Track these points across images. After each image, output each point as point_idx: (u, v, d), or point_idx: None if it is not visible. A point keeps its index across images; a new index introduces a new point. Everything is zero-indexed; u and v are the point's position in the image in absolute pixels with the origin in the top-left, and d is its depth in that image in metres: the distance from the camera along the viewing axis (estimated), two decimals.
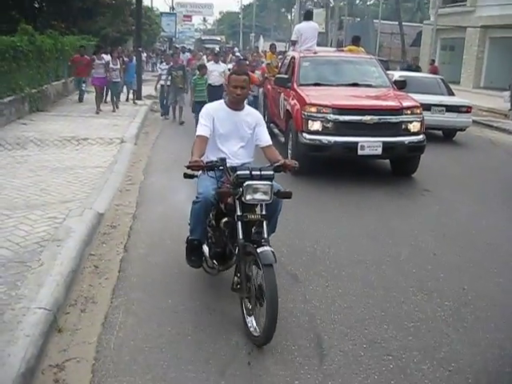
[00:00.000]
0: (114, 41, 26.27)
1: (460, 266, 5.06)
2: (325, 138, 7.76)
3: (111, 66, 15.06)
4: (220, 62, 13.99)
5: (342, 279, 4.65)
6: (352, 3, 52.71)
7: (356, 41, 12.82)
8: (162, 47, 48.65)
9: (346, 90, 8.85)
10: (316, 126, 7.85)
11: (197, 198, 4.01)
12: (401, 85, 9.37)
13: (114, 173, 8.01)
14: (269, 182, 3.64)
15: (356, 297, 4.31)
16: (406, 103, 8.17)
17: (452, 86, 25.37)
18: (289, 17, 69.30)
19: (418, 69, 18.37)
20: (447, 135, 12.81)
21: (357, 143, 7.70)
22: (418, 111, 8.17)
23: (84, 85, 16.22)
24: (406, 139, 7.94)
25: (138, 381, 3.14)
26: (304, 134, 7.90)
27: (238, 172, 3.65)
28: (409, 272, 4.87)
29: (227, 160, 3.96)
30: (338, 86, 9.00)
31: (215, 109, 4.28)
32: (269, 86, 11.74)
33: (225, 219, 3.95)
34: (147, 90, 18.39)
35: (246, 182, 3.57)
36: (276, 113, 10.65)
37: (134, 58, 17.83)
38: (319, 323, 3.86)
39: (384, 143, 7.76)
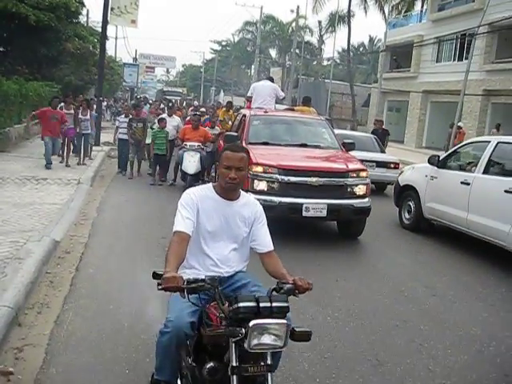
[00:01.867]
0: (77, 89, 27.21)
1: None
2: (270, 198, 7.56)
3: (80, 116, 14.06)
4: (174, 116, 14.15)
5: None
6: (308, 63, 55.31)
7: (306, 101, 13.08)
8: (124, 96, 49.84)
9: (295, 150, 8.83)
10: (262, 185, 7.74)
11: (165, 326, 2.91)
12: (349, 147, 9.30)
13: (70, 209, 8.88)
14: (283, 321, 2.55)
15: None
16: (351, 166, 8.16)
17: (397, 145, 27.32)
18: (249, 73, 71.67)
19: (385, 132, 17.00)
20: (379, 188, 14.06)
21: (302, 204, 7.62)
22: (364, 174, 8.13)
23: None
24: (352, 202, 7.91)
25: (81, 358, 4.04)
26: (249, 194, 7.93)
27: (241, 304, 2.54)
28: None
29: (214, 268, 3.20)
30: (286, 145, 8.99)
31: (201, 196, 3.21)
32: (221, 142, 11.40)
33: (210, 364, 2.77)
34: (105, 137, 19.33)
35: (253, 322, 2.48)
36: None
37: (94, 107, 17.20)
38: None
39: (329, 205, 7.70)
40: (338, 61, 63.11)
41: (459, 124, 19.54)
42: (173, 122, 13.55)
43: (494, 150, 7.85)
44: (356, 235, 8.62)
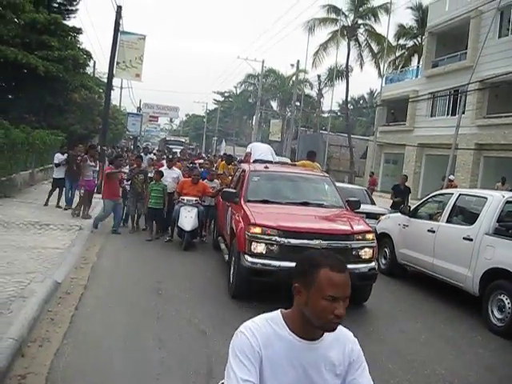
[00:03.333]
0: (81, 137, 28.07)
1: None
2: (269, 263, 7.07)
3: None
4: (174, 168, 13.46)
5: None
6: (308, 116, 56.65)
7: (311, 156, 12.36)
8: (127, 145, 50.86)
9: (296, 209, 8.32)
10: (260, 248, 7.15)
11: None
12: (354, 205, 8.94)
13: (71, 253, 9.40)
14: None
15: None
16: (356, 227, 7.56)
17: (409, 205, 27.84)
18: (250, 123, 73.13)
19: (406, 189, 16.36)
20: None
21: None
22: (371, 236, 7.53)
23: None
24: (357, 267, 7.19)
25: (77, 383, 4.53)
26: (246, 256, 7.18)
27: None
28: None
29: None
30: (287, 204, 8.49)
31: (265, 337, 2.11)
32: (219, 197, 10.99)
33: None
34: None
35: None
36: (224, 226, 9.92)
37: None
38: None
39: None
40: (339, 113, 64.52)
41: (450, 177, 20.17)
42: (172, 174, 12.97)
43: (456, 201, 8.65)
44: (361, 301, 7.83)
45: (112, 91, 25.22)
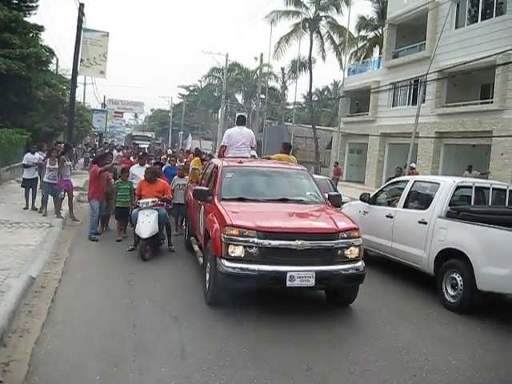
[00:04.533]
0: (46, 135, 27.92)
1: None
2: (248, 267, 6.48)
3: (48, 165, 13.33)
4: (147, 165, 12.56)
5: None
6: (273, 108, 57.12)
7: (286, 148, 11.54)
8: (93, 142, 50.53)
9: (274, 206, 7.73)
10: (238, 251, 6.56)
11: None
12: (335, 200, 8.49)
13: (44, 250, 9.59)
14: None
15: None
16: (341, 225, 7.02)
17: (358, 186, 28.56)
18: (216, 117, 73.26)
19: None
20: None
21: (285, 273, 6.46)
22: (356, 234, 7.03)
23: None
24: (343, 267, 6.78)
25: (59, 370, 4.83)
26: (223, 261, 6.58)
27: None
28: None
29: None
30: (265, 201, 7.85)
31: None
32: (190, 194, 10.31)
33: None
34: (75, 181, 20.00)
35: None
36: (197, 226, 9.38)
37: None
38: None
39: (317, 273, 6.57)
40: (304, 105, 65.09)
41: (412, 165, 20.78)
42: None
43: (411, 188, 9.17)
44: (347, 303, 7.50)
45: (76, 88, 25.10)
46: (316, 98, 65.17)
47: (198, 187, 9.05)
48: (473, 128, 24.80)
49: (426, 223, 8.37)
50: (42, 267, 8.43)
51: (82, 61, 20.04)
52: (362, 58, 41.51)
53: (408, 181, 9.55)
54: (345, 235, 6.93)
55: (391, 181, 10.85)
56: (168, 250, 10.51)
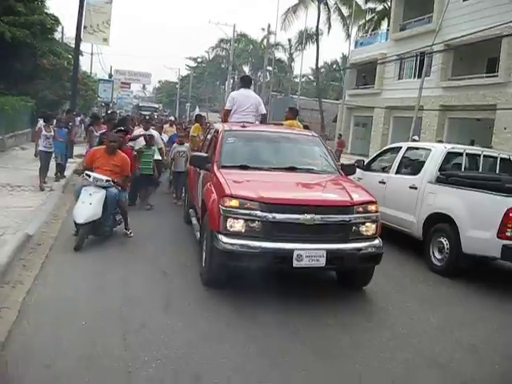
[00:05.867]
0: (51, 103, 28.05)
1: None
2: (249, 244, 5.71)
3: (44, 133, 13.02)
4: (151, 130, 12.06)
5: None
6: (280, 80, 56.90)
7: (293, 112, 10.62)
8: (100, 112, 50.57)
9: (281, 176, 6.88)
10: (238, 226, 5.78)
11: None
12: (349, 170, 7.69)
13: (42, 211, 9.82)
14: None
15: None
16: (357, 197, 6.21)
17: (361, 159, 28.46)
18: (223, 89, 73.03)
19: None
20: None
21: (292, 251, 5.69)
22: (374, 208, 6.23)
23: None
24: (358, 246, 6.02)
25: (47, 315, 5.05)
26: (221, 237, 5.80)
27: None
28: None
29: None
30: (270, 170, 6.99)
31: None
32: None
33: None
34: (79, 149, 20.17)
35: None
36: (195, 197, 8.56)
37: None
38: None
39: (329, 252, 5.79)
40: (311, 78, 64.73)
41: (414, 137, 20.77)
42: None
43: (404, 154, 9.25)
44: (361, 285, 6.77)
45: (81, 57, 25.17)
46: (324, 71, 64.72)
47: (195, 153, 8.32)
48: (477, 102, 24.71)
49: (416, 188, 8.51)
50: (40, 226, 8.63)
51: (85, 28, 20.08)
52: (369, 30, 41.17)
53: (401, 147, 9.65)
54: (361, 209, 6.10)
55: (385, 147, 10.94)
56: (124, 234, 8.62)
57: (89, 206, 7.60)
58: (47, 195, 11.60)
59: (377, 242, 6.19)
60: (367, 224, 6.14)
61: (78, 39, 19.52)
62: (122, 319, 5.11)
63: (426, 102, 26.18)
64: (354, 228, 6.04)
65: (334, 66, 73.02)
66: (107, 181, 7.94)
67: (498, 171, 8.67)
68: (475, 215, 7.27)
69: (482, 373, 4.68)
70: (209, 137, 9.07)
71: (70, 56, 30.35)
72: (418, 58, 29.35)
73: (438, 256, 7.85)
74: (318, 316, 5.68)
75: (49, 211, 9.98)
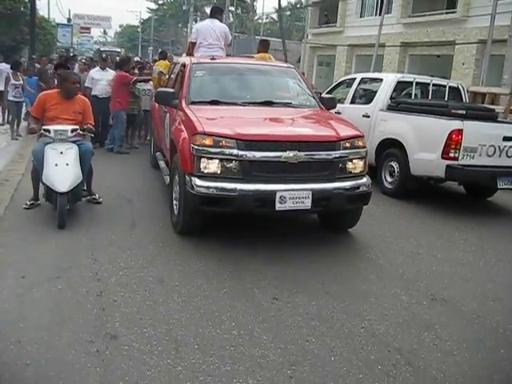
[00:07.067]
0: (9, 49, 27.51)
1: None
2: (225, 186, 5.15)
3: (13, 82, 12.49)
4: (108, 69, 11.63)
5: None
6: (242, 21, 56.18)
7: (265, 46, 9.85)
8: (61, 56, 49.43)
9: (257, 111, 6.33)
10: (212, 167, 5.21)
11: None
12: (329, 103, 7.05)
13: (8, 151, 10.05)
14: None
15: None
16: (343, 132, 5.68)
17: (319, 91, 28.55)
18: (185, 31, 71.75)
19: None
20: None
21: (274, 193, 5.15)
22: (361, 143, 5.74)
23: None
24: (345, 185, 5.50)
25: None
26: (194, 179, 5.23)
27: None
28: None
29: None
30: (244, 105, 6.42)
31: None
32: (155, 103, 8.67)
33: None
34: None
35: None
36: (162, 139, 7.95)
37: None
38: None
39: (314, 192, 5.29)
40: (276, 18, 63.90)
41: None
42: (108, 76, 11.28)
43: (358, 85, 9.63)
44: (347, 227, 6.39)
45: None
46: (288, 13, 63.97)
47: (160, 89, 7.47)
48: (437, 38, 24.97)
49: (369, 117, 8.92)
50: (6, 165, 8.88)
51: None
52: None
53: (355, 78, 10.00)
54: (347, 144, 5.57)
55: (341, 79, 11.27)
56: (90, 201, 6.92)
57: (66, 167, 5.89)
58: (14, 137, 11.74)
59: (365, 180, 5.71)
60: (354, 161, 5.63)
61: None
62: (89, 237, 5.49)
63: (387, 40, 26.38)
64: (340, 165, 5.52)
65: (298, 6, 72.22)
66: (73, 130, 6.20)
67: (446, 99, 9.12)
68: (422, 139, 7.75)
69: (422, 274, 5.21)
70: (175, 72, 8.30)
71: (27, 0, 29.59)
72: None
73: (389, 179, 8.37)
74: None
75: (15, 151, 10.18)
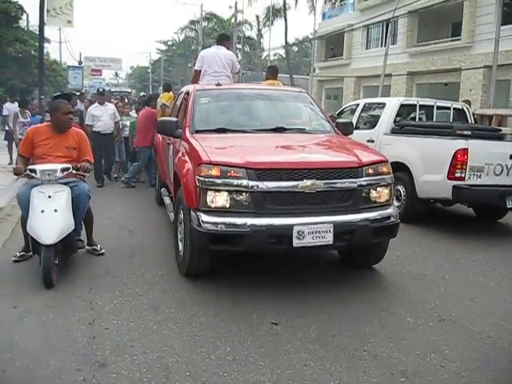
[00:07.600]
0: (21, 91, 27.97)
1: None
2: (236, 222, 4.52)
3: (21, 119, 12.93)
4: (107, 104, 11.60)
5: None
6: (250, 58, 56.88)
7: (273, 72, 9.11)
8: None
9: (269, 138, 5.69)
10: (220, 199, 4.60)
11: None
12: (346, 128, 6.43)
13: (13, 188, 10.03)
14: None
15: None
16: (365, 157, 5.09)
17: None
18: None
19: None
20: None
21: (291, 228, 4.52)
22: (385, 169, 5.14)
23: None
24: (370, 216, 4.85)
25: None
26: (200, 215, 4.62)
27: None
28: None
29: None
30: (254, 132, 5.83)
31: None
32: (159, 136, 8.52)
33: None
34: None
35: None
36: (166, 172, 7.47)
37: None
38: None
39: (336, 225, 4.65)
40: (283, 55, 64.74)
41: None
42: (107, 111, 11.19)
43: (361, 110, 9.57)
44: (373, 263, 5.75)
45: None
46: (296, 49, 64.83)
47: (162, 118, 6.91)
48: (443, 66, 25.05)
49: (373, 141, 8.82)
50: (10, 201, 8.86)
51: (48, 11, 19.93)
52: (337, 2, 41.23)
53: (358, 104, 9.95)
54: (371, 170, 4.96)
55: (344, 106, 11.23)
56: (91, 252, 5.98)
57: (54, 214, 4.91)
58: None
59: (391, 210, 5.07)
60: (379, 189, 5.01)
61: (41, 22, 19.35)
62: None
63: (393, 70, 26.52)
64: (364, 194, 4.90)
65: (306, 43, 73.16)
66: (64, 170, 5.20)
67: (451, 120, 9.02)
68: (427, 160, 7.63)
69: (429, 295, 5.02)
70: (178, 102, 7.85)
71: (37, 43, 30.19)
72: (384, 25, 29.59)
73: (396, 204, 8.18)
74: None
75: (19, 187, 10.15)
